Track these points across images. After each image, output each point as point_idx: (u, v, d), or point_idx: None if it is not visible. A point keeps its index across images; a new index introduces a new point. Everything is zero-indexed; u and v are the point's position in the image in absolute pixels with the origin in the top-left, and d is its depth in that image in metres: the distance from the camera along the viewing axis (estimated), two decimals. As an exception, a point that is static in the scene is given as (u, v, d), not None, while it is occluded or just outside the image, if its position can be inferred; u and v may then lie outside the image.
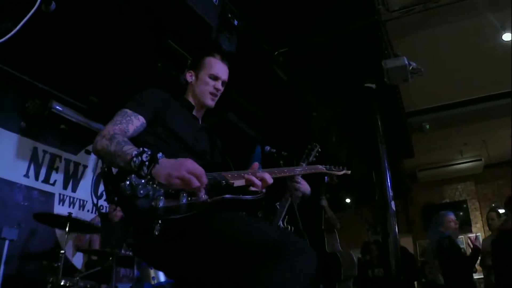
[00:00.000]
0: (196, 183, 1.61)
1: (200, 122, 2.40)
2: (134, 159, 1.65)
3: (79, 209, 6.10)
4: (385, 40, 5.28)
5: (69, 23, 4.16)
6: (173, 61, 4.67)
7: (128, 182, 1.61)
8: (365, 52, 5.25)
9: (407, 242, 10.14)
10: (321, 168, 2.80)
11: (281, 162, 3.35)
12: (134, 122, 2.02)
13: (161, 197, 1.63)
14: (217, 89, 2.34)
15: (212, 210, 1.72)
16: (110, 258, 4.47)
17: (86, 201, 6.23)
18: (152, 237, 1.58)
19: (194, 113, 2.37)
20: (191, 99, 2.38)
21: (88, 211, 6.21)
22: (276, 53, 5.01)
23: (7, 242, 4.99)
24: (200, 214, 1.65)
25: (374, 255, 7.73)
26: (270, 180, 1.97)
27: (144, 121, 2.06)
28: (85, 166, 6.33)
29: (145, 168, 1.63)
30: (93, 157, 6.41)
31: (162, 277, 4.78)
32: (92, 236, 5.48)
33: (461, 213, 10.74)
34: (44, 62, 5.04)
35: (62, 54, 4.83)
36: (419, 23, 5.33)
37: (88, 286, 4.27)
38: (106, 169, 1.87)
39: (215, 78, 2.34)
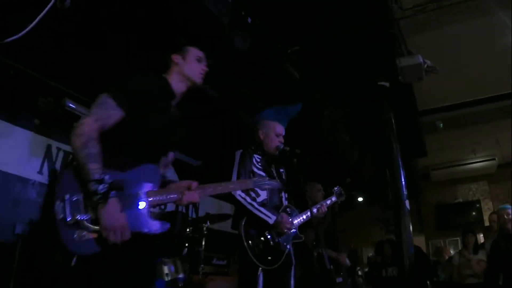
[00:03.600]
0: (117, 239, 1.87)
1: (174, 110, 2.51)
2: (93, 183, 1.85)
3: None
4: (399, 38, 5.22)
5: (83, 20, 4.15)
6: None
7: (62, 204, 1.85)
8: (379, 50, 5.19)
9: (419, 242, 10.02)
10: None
11: (294, 160, 3.31)
12: (113, 116, 2.12)
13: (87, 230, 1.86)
14: (204, 70, 2.58)
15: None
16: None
17: (100, 198, 6.23)
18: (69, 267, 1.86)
19: (174, 101, 2.48)
20: (176, 80, 2.50)
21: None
22: (289, 51, 4.97)
23: (20, 239, 5.01)
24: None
25: (388, 255, 7.65)
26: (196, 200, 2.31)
27: (123, 114, 2.15)
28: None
29: (96, 197, 1.84)
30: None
31: (178, 273, 4.78)
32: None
33: (473, 213, 10.62)
34: (57, 59, 5.04)
35: (75, 51, 4.83)
36: (432, 21, 5.26)
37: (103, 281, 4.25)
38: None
39: (200, 59, 2.58)
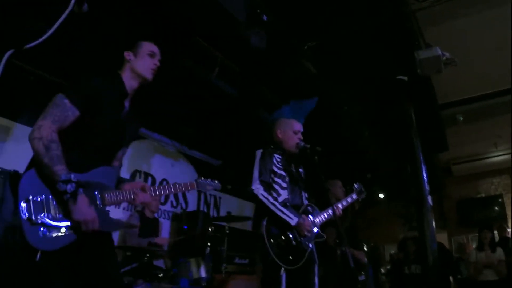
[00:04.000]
0: (89, 230, 2.05)
1: (127, 108, 2.54)
2: (61, 184, 1.98)
3: (115, 207, 6.15)
4: (416, 30, 5.14)
5: (100, 24, 4.18)
6: (202, 58, 4.66)
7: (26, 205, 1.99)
8: (396, 43, 5.12)
9: (442, 238, 9.88)
10: None
11: (316, 157, 3.29)
12: (70, 117, 2.18)
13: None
14: (155, 65, 2.62)
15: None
16: (147, 255, 4.50)
17: (122, 199, 6.30)
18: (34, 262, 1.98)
19: (126, 99, 2.54)
20: (128, 77, 2.55)
21: (124, 208, 6.27)
22: (305, 47, 4.93)
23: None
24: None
25: (411, 252, 7.56)
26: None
27: (79, 115, 2.21)
28: (120, 166, 6.39)
29: (65, 196, 2.00)
30: (127, 155, 6.47)
31: (202, 272, 4.80)
32: (126, 233, 5.55)
33: (496, 208, 10.43)
34: (76, 63, 5.09)
35: (94, 55, 4.87)
36: (449, 12, 5.17)
37: (126, 282, 4.29)
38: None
39: (153, 54, 2.61)
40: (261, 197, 3.18)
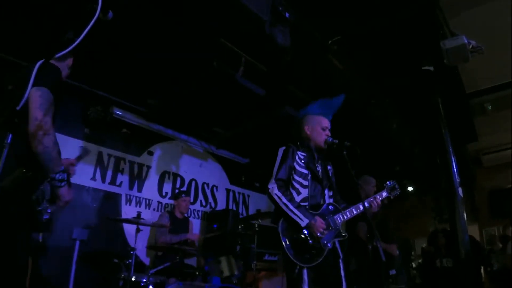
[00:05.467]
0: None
1: None
2: (61, 173, 2.37)
3: (146, 208, 6.27)
4: (441, 19, 5.06)
5: (124, 30, 4.25)
6: (228, 59, 4.69)
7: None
8: (421, 33, 5.05)
9: (473, 231, 9.71)
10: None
11: (344, 152, 3.27)
12: (52, 109, 2.38)
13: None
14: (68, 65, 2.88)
15: None
16: (179, 254, 4.57)
17: (152, 200, 6.40)
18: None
19: None
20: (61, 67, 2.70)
21: (154, 209, 6.38)
22: (329, 42, 4.91)
23: (77, 242, 5.22)
24: None
25: (442, 245, 7.46)
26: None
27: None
28: (149, 167, 6.51)
29: (62, 182, 2.38)
30: (155, 157, 6.59)
31: (233, 269, 4.85)
32: (156, 233, 5.65)
33: (529, 198, 10.18)
34: (103, 70, 5.19)
35: (119, 61, 4.96)
36: (473, -1, 5.08)
37: (159, 281, 4.37)
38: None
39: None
40: (275, 197, 3.21)
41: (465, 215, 5.53)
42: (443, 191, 6.00)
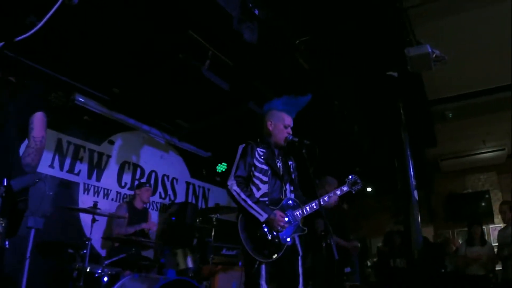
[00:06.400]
0: None
1: None
2: None
3: (104, 197, 6.21)
4: (407, 27, 5.21)
5: (90, 16, 4.19)
6: (195, 52, 4.70)
7: None
8: (387, 39, 5.19)
9: (428, 232, 10.05)
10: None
11: (303, 151, 3.34)
12: None
13: None
14: None
15: None
16: (135, 246, 4.56)
17: (110, 190, 6.35)
18: None
19: None
20: None
21: (112, 199, 6.32)
22: (297, 41, 4.98)
23: (32, 231, 5.11)
24: None
25: (397, 245, 7.70)
26: None
27: None
28: (109, 156, 6.44)
29: None
30: (116, 147, 6.53)
31: (189, 262, 4.87)
32: (113, 224, 5.61)
33: (483, 204, 10.60)
34: (66, 55, 5.10)
35: (84, 47, 4.88)
36: (441, 9, 5.21)
37: (114, 272, 4.35)
38: None
39: None
40: (233, 193, 3.23)
41: (419, 217, 5.74)
42: (399, 193, 6.18)
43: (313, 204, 3.44)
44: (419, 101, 6.63)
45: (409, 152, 6.00)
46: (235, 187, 3.24)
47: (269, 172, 3.41)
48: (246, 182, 3.34)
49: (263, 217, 3.15)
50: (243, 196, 3.21)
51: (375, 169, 8.35)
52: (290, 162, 3.63)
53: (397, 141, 6.03)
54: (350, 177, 3.84)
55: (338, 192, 3.71)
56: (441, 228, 10.84)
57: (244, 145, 3.48)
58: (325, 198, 3.56)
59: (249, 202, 3.18)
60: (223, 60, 4.90)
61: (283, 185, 3.46)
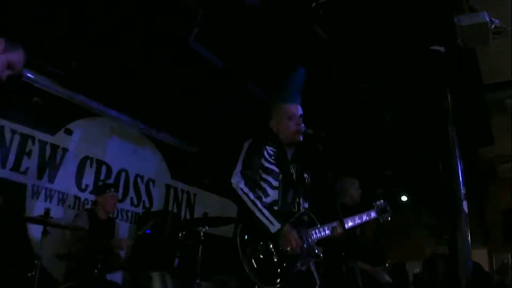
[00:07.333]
0: None
1: None
2: None
3: (58, 204, 6.22)
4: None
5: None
6: (178, 15, 4.70)
7: None
8: (432, 5, 5.18)
9: (481, 256, 10.05)
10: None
11: (319, 146, 3.34)
12: None
13: None
14: None
15: None
16: (98, 266, 4.57)
17: (67, 194, 6.37)
18: None
19: None
20: None
21: (69, 206, 6.33)
22: (314, 4, 4.98)
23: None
24: None
25: (440, 272, 7.71)
26: None
27: None
28: (65, 150, 6.43)
29: None
30: (75, 137, 6.52)
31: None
32: (70, 238, 5.62)
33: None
34: (9, 18, 5.10)
35: (32, 6, 4.87)
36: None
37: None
38: None
39: None
40: (240, 192, 3.19)
41: (469, 236, 5.75)
42: (443, 205, 6.18)
43: (333, 226, 3.44)
44: (472, 85, 6.63)
45: (457, 152, 6.00)
46: (242, 185, 3.21)
47: (281, 176, 3.41)
48: (253, 184, 3.33)
49: (275, 227, 3.10)
50: (252, 197, 3.18)
51: (412, 173, 8.37)
52: (305, 175, 3.64)
53: (442, 137, 6.03)
54: (379, 202, 3.93)
55: (365, 218, 3.74)
56: (498, 251, 10.85)
57: (250, 140, 3.48)
58: (349, 222, 3.59)
59: (260, 205, 3.15)
60: (215, 28, 4.90)
61: (298, 196, 3.48)
